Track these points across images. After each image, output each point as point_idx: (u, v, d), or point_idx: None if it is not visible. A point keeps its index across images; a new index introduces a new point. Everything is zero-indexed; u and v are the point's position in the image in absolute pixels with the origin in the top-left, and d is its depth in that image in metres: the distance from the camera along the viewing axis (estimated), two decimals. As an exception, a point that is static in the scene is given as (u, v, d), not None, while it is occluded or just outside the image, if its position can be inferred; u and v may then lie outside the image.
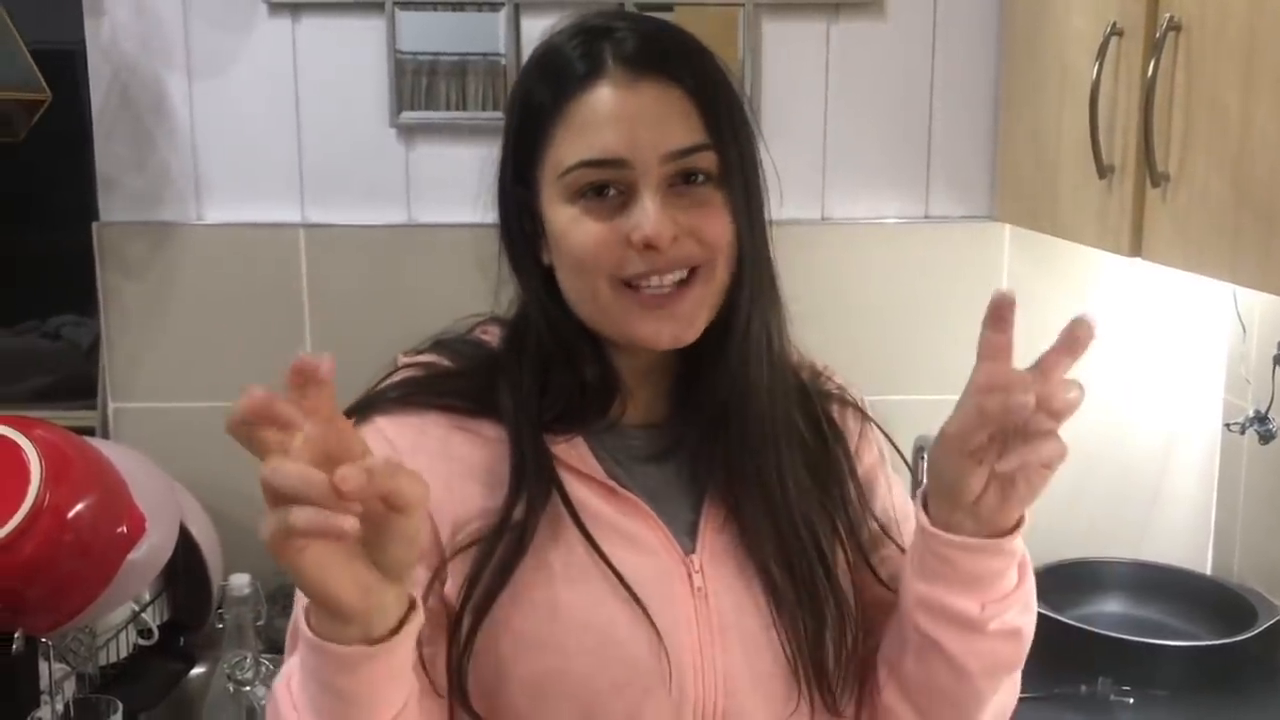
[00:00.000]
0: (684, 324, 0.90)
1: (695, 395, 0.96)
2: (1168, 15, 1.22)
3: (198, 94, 1.81)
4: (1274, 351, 1.58)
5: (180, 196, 1.83)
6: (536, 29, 1.75)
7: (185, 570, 1.67)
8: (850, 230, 1.85)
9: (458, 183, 1.83)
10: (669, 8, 1.80)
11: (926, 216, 1.86)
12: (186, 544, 1.65)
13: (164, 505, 1.60)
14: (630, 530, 0.92)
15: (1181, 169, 1.22)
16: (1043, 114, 1.61)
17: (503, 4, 1.78)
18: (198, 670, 1.69)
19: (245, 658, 1.46)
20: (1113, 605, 1.81)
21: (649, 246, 0.87)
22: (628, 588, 0.89)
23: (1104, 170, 1.37)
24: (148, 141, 1.81)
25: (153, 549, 1.51)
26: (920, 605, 0.91)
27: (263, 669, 1.47)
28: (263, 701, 1.47)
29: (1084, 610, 1.74)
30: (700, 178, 0.89)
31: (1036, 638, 0.95)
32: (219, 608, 1.60)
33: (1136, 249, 1.32)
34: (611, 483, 0.93)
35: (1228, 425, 1.81)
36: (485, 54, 1.80)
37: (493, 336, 0.98)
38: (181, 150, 1.82)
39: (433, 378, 0.95)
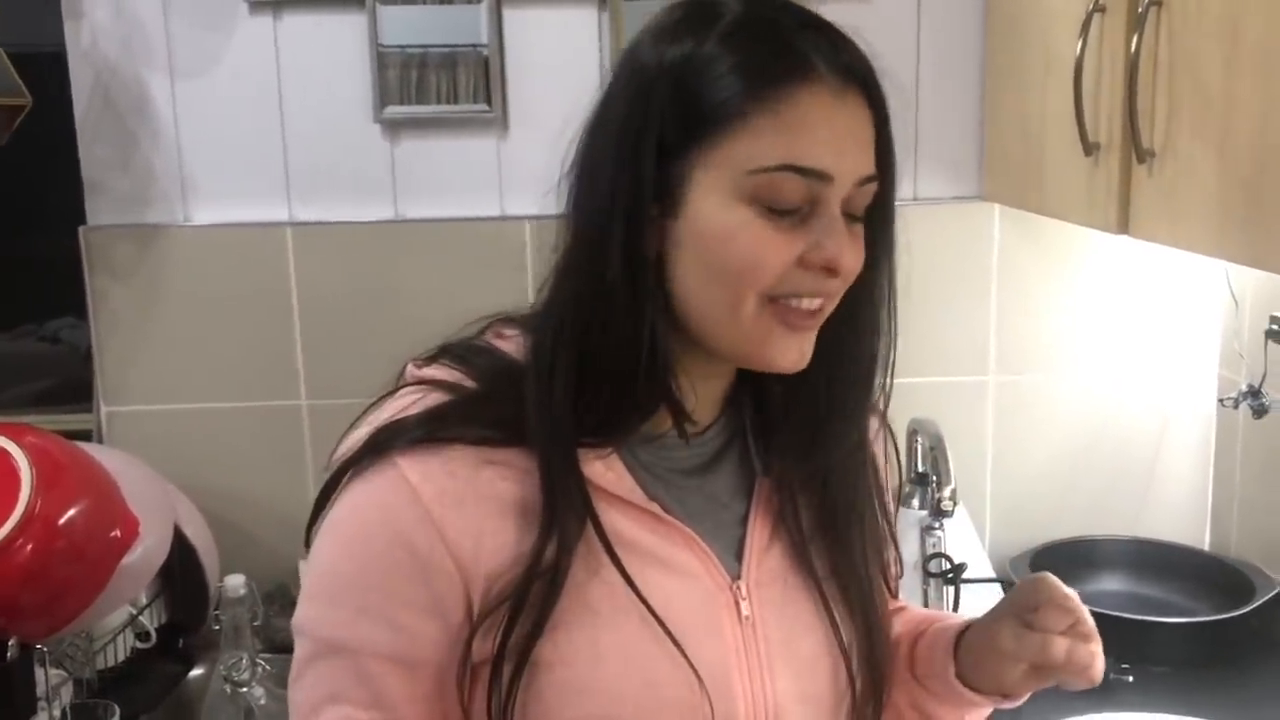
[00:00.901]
0: (809, 348, 0.85)
1: (753, 391, 0.93)
2: (1149, -10, 1.22)
3: (180, 94, 1.80)
4: (1267, 326, 1.58)
5: (166, 198, 1.83)
6: (518, 20, 1.78)
7: (182, 572, 1.68)
8: (839, 214, 1.85)
9: (443, 176, 1.83)
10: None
11: (915, 198, 1.86)
12: (182, 546, 1.66)
13: (158, 508, 1.60)
14: (672, 558, 0.87)
15: (1166, 145, 1.21)
16: (1028, 92, 1.60)
17: (484, -4, 1.77)
18: (196, 672, 1.69)
19: (241, 658, 1.46)
20: (1111, 583, 1.81)
21: (829, 269, 0.81)
22: (667, 631, 0.84)
23: (1089, 148, 1.36)
24: (132, 144, 1.81)
25: (147, 552, 1.51)
26: (912, 704, 1.03)
27: (259, 669, 1.47)
28: (261, 701, 1.47)
29: (1083, 588, 1.71)
30: (859, 209, 0.85)
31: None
32: (215, 609, 1.61)
33: (1123, 226, 1.31)
34: (653, 507, 0.87)
35: (1221, 400, 1.80)
36: (469, 45, 1.79)
37: (510, 342, 0.90)
38: (166, 152, 1.82)
39: (457, 406, 0.86)
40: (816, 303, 0.84)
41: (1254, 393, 1.66)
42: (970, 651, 0.98)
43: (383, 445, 0.83)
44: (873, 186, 0.84)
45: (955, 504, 1.61)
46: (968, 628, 1.00)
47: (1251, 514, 1.82)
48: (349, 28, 1.78)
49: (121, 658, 1.63)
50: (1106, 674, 1.53)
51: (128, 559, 1.45)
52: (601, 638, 0.84)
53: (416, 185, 1.83)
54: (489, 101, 1.79)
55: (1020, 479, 1.91)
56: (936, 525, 1.61)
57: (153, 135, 1.81)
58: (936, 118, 1.84)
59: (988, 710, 1.02)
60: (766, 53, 0.80)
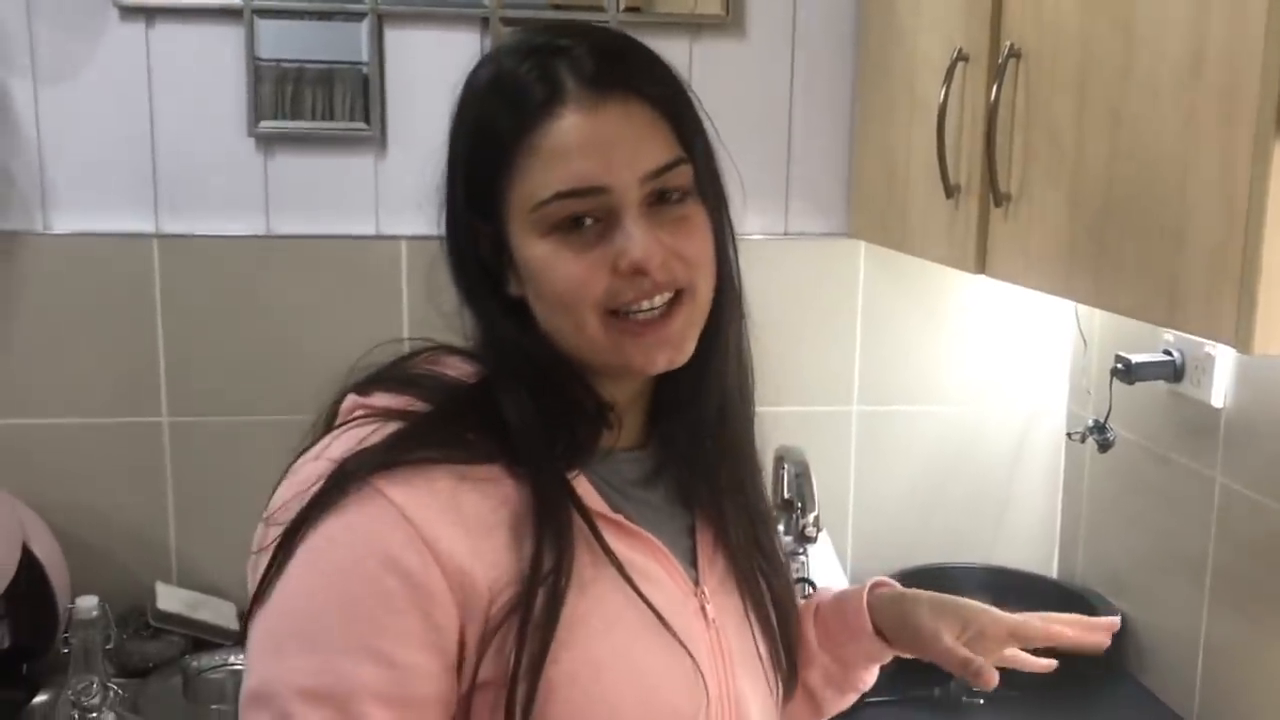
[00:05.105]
0: (675, 347, 0.87)
1: (677, 413, 0.94)
2: (1009, 43, 1.28)
3: (44, 99, 1.74)
4: (1112, 364, 1.66)
5: (25, 205, 1.76)
6: (399, 40, 1.77)
7: (29, 593, 1.61)
8: (713, 245, 1.88)
9: (317, 193, 1.81)
10: (536, 23, 1.81)
11: (785, 233, 1.91)
12: (30, 566, 1.59)
13: (3, 526, 1.53)
14: (644, 566, 0.89)
15: (1022, 190, 1.27)
16: (894, 134, 1.67)
17: (365, 14, 1.76)
18: (41, 698, 1.62)
19: (91, 683, 1.41)
20: (966, 609, 1.87)
21: (638, 272, 0.84)
22: (667, 626, 0.86)
23: (950, 190, 1.42)
24: (-11, 148, 1.75)
25: (-9, 572, 1.45)
26: (827, 680, 1.11)
27: (110, 694, 1.42)
28: (111, 728, 1.42)
29: (938, 615, 1.79)
30: (675, 194, 0.86)
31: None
32: (65, 631, 1.54)
33: (981, 266, 1.37)
34: (618, 517, 0.89)
35: (1069, 435, 1.89)
36: (348, 62, 1.78)
37: (455, 369, 0.90)
38: (26, 157, 1.75)
39: (421, 427, 0.85)
40: (658, 304, 0.86)
41: (1099, 428, 1.74)
42: (885, 618, 1.09)
43: (353, 473, 0.80)
44: (679, 171, 0.86)
45: (819, 530, 1.65)
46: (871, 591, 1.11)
47: (1096, 543, 1.90)
48: (225, 39, 1.75)
49: (-41, 683, 1.56)
50: (958, 697, 1.60)
51: (-30, 579, 1.39)
52: (600, 647, 0.84)
53: (290, 201, 1.80)
54: (367, 120, 1.78)
55: (881, 508, 1.96)
56: (800, 551, 1.65)
57: (11, 140, 1.74)
58: (808, 155, 1.89)
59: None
60: (515, 98, 0.85)
